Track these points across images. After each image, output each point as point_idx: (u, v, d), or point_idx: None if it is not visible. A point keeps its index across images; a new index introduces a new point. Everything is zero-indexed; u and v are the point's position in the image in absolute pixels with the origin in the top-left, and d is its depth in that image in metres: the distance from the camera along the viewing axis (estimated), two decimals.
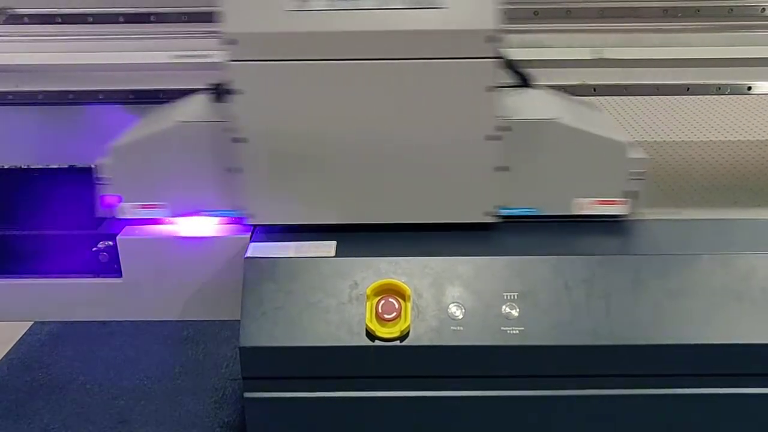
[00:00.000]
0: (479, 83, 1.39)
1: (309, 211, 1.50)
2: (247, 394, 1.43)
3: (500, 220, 1.52)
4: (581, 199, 1.51)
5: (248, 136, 1.44)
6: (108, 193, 1.53)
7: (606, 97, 2.14)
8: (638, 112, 2.38)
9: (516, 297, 1.40)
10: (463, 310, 1.39)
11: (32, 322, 3.28)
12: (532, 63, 1.71)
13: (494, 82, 1.39)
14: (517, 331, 1.38)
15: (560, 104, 1.57)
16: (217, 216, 1.56)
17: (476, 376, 1.40)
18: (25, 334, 3.21)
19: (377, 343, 1.37)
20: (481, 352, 1.38)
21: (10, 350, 3.10)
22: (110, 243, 1.58)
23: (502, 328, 1.38)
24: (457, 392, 1.42)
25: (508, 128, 1.44)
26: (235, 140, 1.44)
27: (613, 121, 1.67)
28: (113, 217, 1.57)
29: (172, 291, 1.59)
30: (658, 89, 1.78)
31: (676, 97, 2.13)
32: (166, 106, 1.71)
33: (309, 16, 1.37)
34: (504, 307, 1.39)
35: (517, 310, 1.39)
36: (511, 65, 1.57)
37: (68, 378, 2.90)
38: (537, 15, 1.70)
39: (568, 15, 1.70)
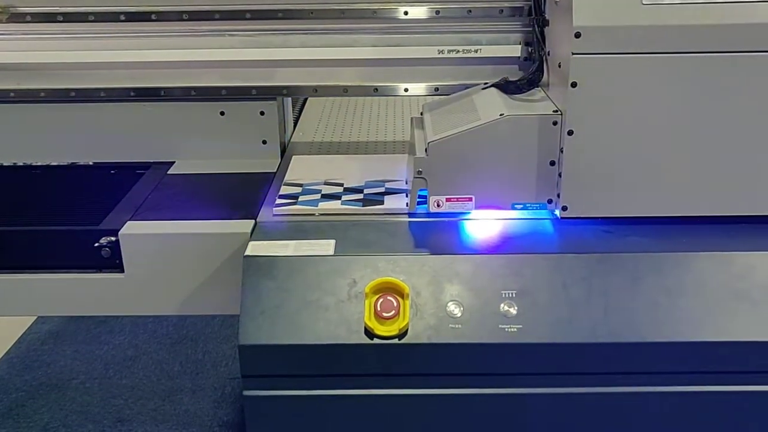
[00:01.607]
0: None
1: (626, 203, 1.52)
2: (247, 392, 1.43)
3: None
4: None
5: (577, 128, 1.46)
6: (419, 187, 1.54)
7: None
8: None
9: (514, 295, 1.40)
10: (462, 308, 1.40)
11: (32, 321, 3.29)
12: None
13: None
14: (516, 329, 1.38)
15: None
16: (523, 209, 1.57)
17: (475, 373, 1.40)
18: (24, 333, 3.22)
19: (376, 341, 1.38)
20: (479, 350, 1.38)
21: (9, 349, 3.11)
22: (112, 239, 1.58)
23: (501, 325, 1.38)
24: (456, 390, 1.42)
25: None
26: (569, 133, 1.46)
27: None
28: None
29: (173, 286, 1.60)
30: None
31: None
32: (443, 101, 1.74)
33: (664, 10, 1.40)
34: (502, 305, 1.40)
35: (516, 308, 1.39)
36: None
37: (68, 377, 2.91)
38: None
39: None
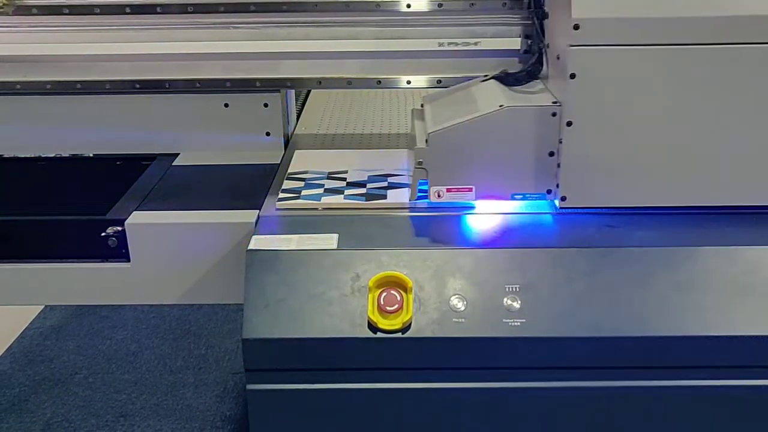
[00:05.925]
0: None
1: (625, 194, 1.53)
2: (250, 386, 1.43)
3: None
4: None
5: (575, 119, 1.47)
6: (420, 177, 1.55)
7: None
8: None
9: (518, 289, 1.40)
10: (465, 302, 1.39)
11: (34, 316, 3.29)
12: None
13: None
14: (519, 323, 1.38)
15: None
16: (522, 199, 1.58)
17: (478, 367, 1.40)
18: (27, 327, 3.22)
19: (379, 335, 1.38)
20: (483, 344, 1.38)
21: (12, 344, 3.11)
22: (119, 228, 1.59)
23: (504, 320, 1.38)
24: (459, 384, 1.41)
25: None
26: (568, 124, 1.48)
27: None
28: None
29: (179, 275, 1.61)
30: None
31: None
32: (444, 93, 1.75)
33: (663, 2, 1.41)
34: (505, 299, 1.39)
35: (519, 302, 1.39)
36: None
37: (70, 372, 2.92)
38: None
39: None
